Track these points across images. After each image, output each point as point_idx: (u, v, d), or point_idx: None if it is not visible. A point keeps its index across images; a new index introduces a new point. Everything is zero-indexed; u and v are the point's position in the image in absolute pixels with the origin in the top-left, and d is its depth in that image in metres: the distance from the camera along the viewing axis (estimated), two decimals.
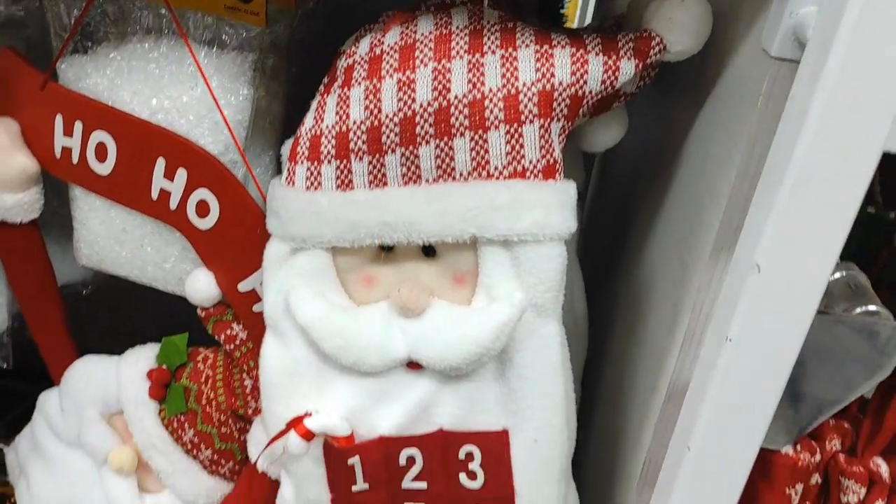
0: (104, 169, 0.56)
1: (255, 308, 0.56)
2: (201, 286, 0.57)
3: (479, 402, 0.50)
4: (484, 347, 0.46)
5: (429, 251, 0.49)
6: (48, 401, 0.66)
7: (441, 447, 0.50)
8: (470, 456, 0.51)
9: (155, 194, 0.55)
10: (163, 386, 0.61)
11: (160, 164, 0.54)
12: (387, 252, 0.50)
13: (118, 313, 0.71)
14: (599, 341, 0.68)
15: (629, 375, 0.59)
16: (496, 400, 0.50)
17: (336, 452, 0.50)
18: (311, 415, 0.50)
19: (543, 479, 0.51)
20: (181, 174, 0.54)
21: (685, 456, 0.41)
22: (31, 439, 0.68)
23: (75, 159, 0.56)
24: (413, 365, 0.49)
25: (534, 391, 0.49)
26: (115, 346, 0.66)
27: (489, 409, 0.50)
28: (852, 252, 0.60)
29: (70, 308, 0.68)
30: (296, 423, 0.50)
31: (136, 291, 0.67)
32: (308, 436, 0.49)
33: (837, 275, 0.42)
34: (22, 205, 0.59)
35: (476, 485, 0.51)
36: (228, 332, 0.59)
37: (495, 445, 0.50)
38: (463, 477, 0.51)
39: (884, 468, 0.45)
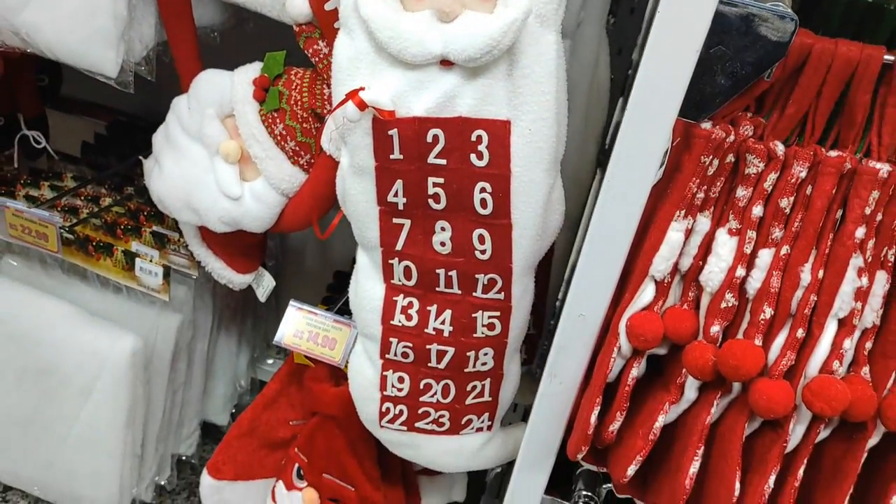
0: None
1: (336, 25, 0.73)
2: (298, 3, 0.74)
3: (491, 97, 0.65)
4: (495, 40, 0.61)
5: None
6: (179, 102, 0.86)
7: (459, 130, 0.66)
8: (479, 139, 0.66)
9: None
10: (263, 89, 0.80)
11: None
12: None
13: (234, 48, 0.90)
14: None
15: None
16: (504, 96, 0.65)
17: (381, 124, 0.67)
18: (364, 89, 0.66)
19: (534, 165, 0.66)
20: None
21: (624, 124, 0.55)
22: (165, 133, 0.88)
23: None
24: (445, 63, 0.64)
25: (532, 89, 0.64)
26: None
27: (498, 103, 0.65)
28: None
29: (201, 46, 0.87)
30: (353, 94, 0.66)
31: (247, 39, 0.86)
32: (362, 105, 0.66)
33: (769, 4, 0.53)
34: None
35: (482, 163, 0.67)
36: (315, 47, 0.76)
37: (500, 131, 0.65)
38: (473, 157, 0.67)
39: (780, 148, 0.56)
